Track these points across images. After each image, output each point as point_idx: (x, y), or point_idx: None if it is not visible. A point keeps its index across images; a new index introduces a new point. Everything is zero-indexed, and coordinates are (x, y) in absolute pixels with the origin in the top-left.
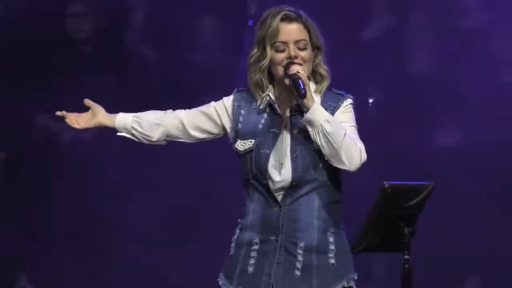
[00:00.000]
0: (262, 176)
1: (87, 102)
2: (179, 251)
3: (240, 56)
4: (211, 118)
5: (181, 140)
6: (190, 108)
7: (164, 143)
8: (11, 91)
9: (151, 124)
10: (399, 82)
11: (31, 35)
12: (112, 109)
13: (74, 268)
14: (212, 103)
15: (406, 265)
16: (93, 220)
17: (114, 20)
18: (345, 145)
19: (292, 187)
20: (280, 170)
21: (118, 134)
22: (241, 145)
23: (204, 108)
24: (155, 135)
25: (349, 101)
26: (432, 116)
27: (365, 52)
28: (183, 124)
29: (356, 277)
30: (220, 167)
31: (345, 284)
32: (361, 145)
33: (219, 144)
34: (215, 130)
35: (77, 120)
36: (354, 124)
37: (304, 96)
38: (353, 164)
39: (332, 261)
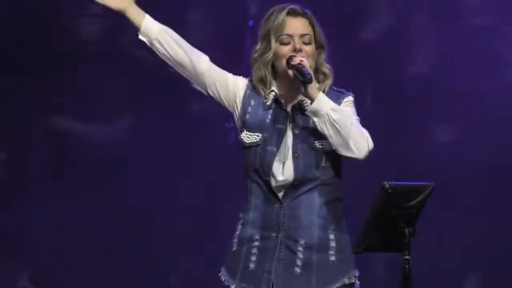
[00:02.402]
0: (265, 172)
1: None
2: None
3: (240, 56)
4: (228, 90)
5: (185, 77)
6: (188, 110)
7: (172, 69)
8: (11, 91)
9: (180, 48)
10: (400, 82)
11: (32, 35)
12: (113, 108)
13: (75, 268)
14: (230, 75)
15: (406, 265)
16: (93, 220)
17: (114, 21)
18: (353, 133)
19: (294, 186)
20: (283, 169)
21: (140, 37)
22: (247, 137)
23: (225, 74)
24: (177, 58)
25: (350, 98)
26: (433, 116)
27: (366, 52)
28: (204, 74)
29: (357, 274)
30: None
31: (346, 281)
32: (366, 133)
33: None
34: (224, 99)
35: None
36: (357, 117)
37: (310, 80)
38: (361, 151)
39: (332, 258)
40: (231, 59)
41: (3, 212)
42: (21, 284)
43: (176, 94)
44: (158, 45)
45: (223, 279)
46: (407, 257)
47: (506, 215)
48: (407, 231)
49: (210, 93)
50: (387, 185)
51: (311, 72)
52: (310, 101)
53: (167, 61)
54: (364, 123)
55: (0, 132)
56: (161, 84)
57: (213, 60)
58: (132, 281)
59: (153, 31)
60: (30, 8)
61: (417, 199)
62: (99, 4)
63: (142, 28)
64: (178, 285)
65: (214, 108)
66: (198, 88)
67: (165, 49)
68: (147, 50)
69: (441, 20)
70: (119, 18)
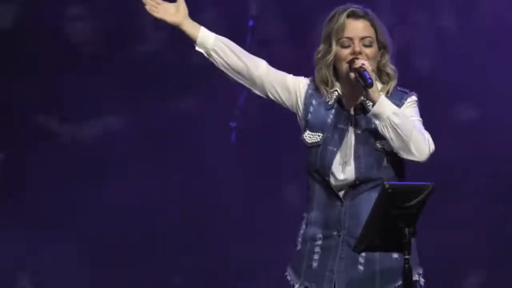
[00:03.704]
0: (325, 172)
1: None
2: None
3: None
4: (289, 91)
5: (243, 84)
6: (192, 112)
7: (229, 77)
8: (11, 91)
9: (236, 56)
10: (400, 81)
11: (32, 36)
12: (112, 108)
13: (76, 269)
14: (290, 76)
15: (406, 265)
16: (93, 220)
17: (114, 21)
18: (414, 136)
19: (354, 185)
20: (344, 169)
21: (197, 49)
22: (309, 136)
23: (285, 76)
24: (236, 67)
25: (413, 98)
26: (434, 116)
27: None
28: (262, 79)
29: (421, 271)
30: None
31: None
32: (428, 136)
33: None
34: (286, 101)
35: (157, 7)
36: (419, 118)
37: (371, 85)
38: (422, 154)
39: (395, 255)
40: None
41: (3, 211)
42: (21, 284)
43: (176, 94)
44: (215, 55)
45: (289, 278)
46: (407, 257)
47: (507, 214)
48: (407, 231)
49: (271, 97)
50: (387, 185)
51: (373, 76)
52: (372, 104)
53: (224, 70)
54: None
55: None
56: (161, 84)
57: None
58: (134, 282)
59: (209, 41)
60: (30, 8)
61: (417, 199)
62: (101, 5)
63: (199, 40)
64: (181, 285)
65: (212, 106)
66: (258, 93)
67: (222, 58)
68: (147, 50)
69: (441, 19)
70: (119, 18)
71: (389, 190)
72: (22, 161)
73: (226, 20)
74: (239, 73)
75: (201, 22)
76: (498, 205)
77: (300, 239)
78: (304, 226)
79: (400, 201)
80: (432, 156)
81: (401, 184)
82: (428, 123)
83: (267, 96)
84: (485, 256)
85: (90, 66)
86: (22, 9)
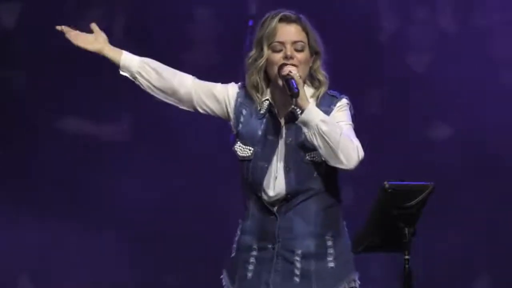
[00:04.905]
0: (257, 188)
1: (94, 26)
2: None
3: (239, 57)
4: (218, 100)
5: (171, 103)
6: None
7: (159, 98)
8: (11, 91)
9: (161, 76)
10: (400, 81)
11: (32, 36)
12: (111, 108)
13: (75, 269)
14: (218, 85)
15: (406, 265)
16: (94, 219)
17: (113, 20)
18: (342, 144)
19: (287, 199)
20: (274, 184)
21: (121, 73)
22: (240, 149)
23: (213, 86)
24: (162, 86)
25: (343, 101)
26: (434, 116)
27: (366, 52)
28: (189, 94)
29: (356, 277)
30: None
31: (346, 286)
32: (357, 143)
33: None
34: (217, 111)
35: (76, 37)
36: (350, 122)
37: (297, 95)
38: (351, 162)
39: (331, 264)
40: (230, 60)
41: (3, 211)
42: (21, 284)
43: None
44: (140, 78)
45: (223, 283)
46: (407, 257)
47: (507, 214)
48: (407, 231)
49: (201, 110)
50: (387, 185)
51: (300, 83)
52: (300, 111)
53: (150, 92)
54: (365, 123)
55: (1, 132)
56: None
57: (212, 59)
58: (133, 281)
59: (133, 64)
60: (30, 9)
61: (417, 199)
62: (95, 8)
63: (122, 64)
64: (180, 285)
65: None
66: (187, 109)
67: (147, 80)
68: (147, 51)
69: (440, 19)
70: (119, 17)
71: (389, 190)
72: (22, 160)
73: (226, 20)
74: (164, 92)
75: (201, 22)
76: (498, 204)
77: (235, 246)
78: (239, 233)
79: (400, 201)
80: (432, 155)
81: (401, 184)
82: (427, 122)
83: (196, 110)
84: (485, 256)
85: (90, 66)
86: (22, 8)
